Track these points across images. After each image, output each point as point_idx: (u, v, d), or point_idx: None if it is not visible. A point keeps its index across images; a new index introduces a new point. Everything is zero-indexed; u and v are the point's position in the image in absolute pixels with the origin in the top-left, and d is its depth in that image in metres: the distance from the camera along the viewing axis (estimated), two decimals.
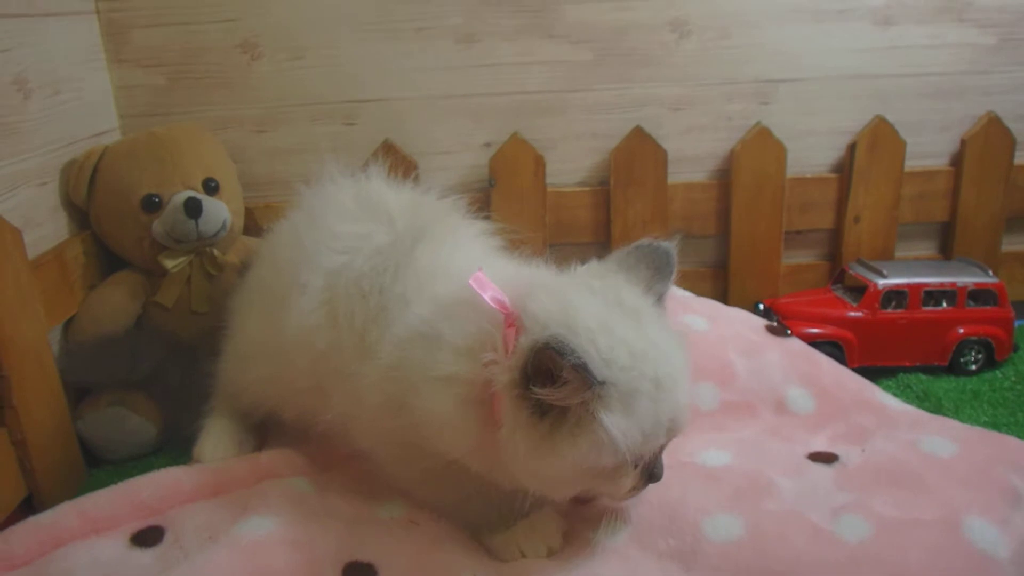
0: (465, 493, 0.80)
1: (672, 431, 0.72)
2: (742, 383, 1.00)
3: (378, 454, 0.83)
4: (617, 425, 0.66)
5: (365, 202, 0.92)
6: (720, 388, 1.00)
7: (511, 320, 0.70)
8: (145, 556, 0.78)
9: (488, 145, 1.28)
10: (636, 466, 0.71)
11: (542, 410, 0.67)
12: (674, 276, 0.78)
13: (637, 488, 0.73)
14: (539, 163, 1.26)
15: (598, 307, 0.70)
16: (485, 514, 0.80)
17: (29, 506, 0.95)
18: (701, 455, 0.91)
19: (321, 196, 0.95)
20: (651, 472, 0.73)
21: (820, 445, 0.94)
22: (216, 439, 0.98)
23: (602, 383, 0.65)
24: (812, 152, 1.31)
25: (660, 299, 0.77)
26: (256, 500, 0.84)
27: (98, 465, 1.06)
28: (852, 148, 1.29)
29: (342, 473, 0.91)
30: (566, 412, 0.67)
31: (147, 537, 0.80)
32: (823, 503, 0.80)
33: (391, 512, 0.83)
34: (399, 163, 1.24)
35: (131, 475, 0.96)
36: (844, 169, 1.31)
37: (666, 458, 0.76)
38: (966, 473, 0.83)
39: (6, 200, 1.00)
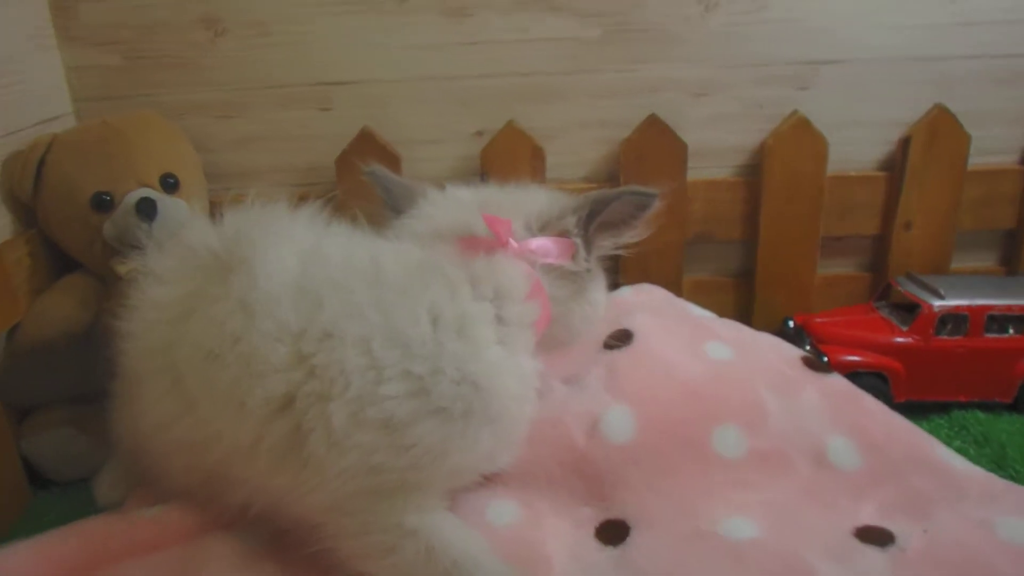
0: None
1: None
2: (774, 427, 0.83)
3: (335, 524, 0.69)
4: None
5: (186, 255, 0.78)
6: (747, 432, 0.82)
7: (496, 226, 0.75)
8: None
9: (480, 134, 1.12)
10: None
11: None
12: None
13: None
14: (538, 155, 1.09)
15: None
16: None
17: None
18: (724, 523, 0.75)
19: (144, 268, 0.81)
20: None
21: (870, 516, 0.77)
22: (113, 478, 0.87)
23: None
24: (857, 146, 1.12)
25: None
26: (195, 563, 0.72)
27: (45, 486, 0.96)
28: (905, 142, 1.09)
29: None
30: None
31: None
32: None
33: None
34: (379, 154, 1.08)
35: (80, 498, 0.90)
36: (895, 166, 1.12)
37: (682, 523, 0.75)
38: None
39: None
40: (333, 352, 0.67)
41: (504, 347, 0.72)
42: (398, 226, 0.81)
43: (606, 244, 0.81)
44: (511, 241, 0.76)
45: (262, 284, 0.70)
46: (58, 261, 1.06)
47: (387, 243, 0.77)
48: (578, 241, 0.79)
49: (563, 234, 0.79)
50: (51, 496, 0.95)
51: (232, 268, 0.73)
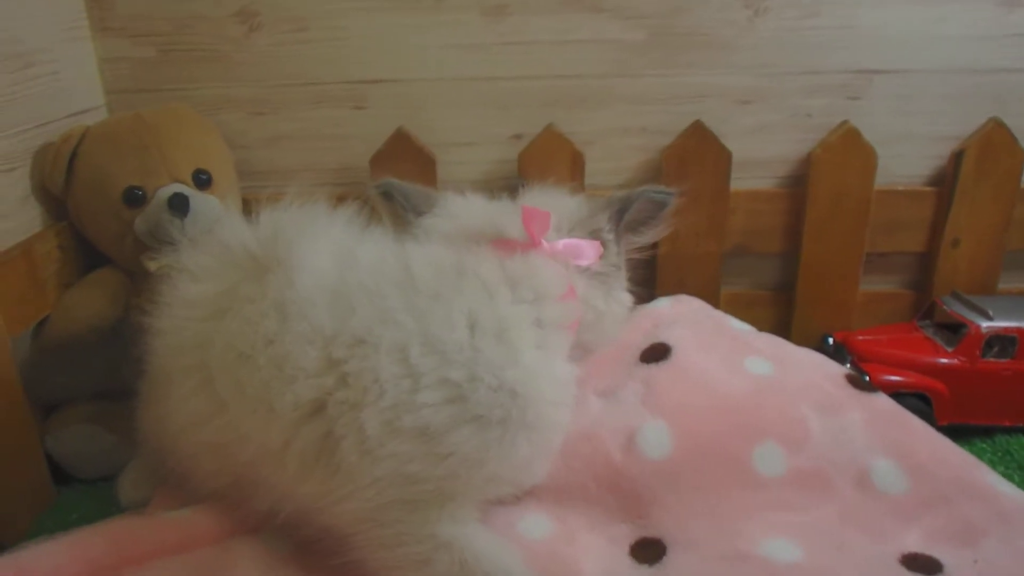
0: None
1: None
2: (816, 446, 0.79)
3: (367, 534, 0.67)
4: None
5: (222, 253, 0.76)
6: (788, 451, 0.79)
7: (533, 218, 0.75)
8: None
9: (518, 137, 1.09)
10: None
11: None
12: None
13: None
14: (577, 160, 1.06)
15: None
16: None
17: None
18: (765, 545, 0.72)
19: (179, 264, 0.80)
20: None
21: (916, 543, 0.74)
22: (138, 478, 0.86)
23: None
24: (907, 160, 1.08)
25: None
26: (220, 567, 0.71)
27: (69, 483, 0.95)
28: (958, 157, 1.05)
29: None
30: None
31: None
32: None
33: None
34: (414, 155, 1.06)
35: (104, 496, 0.90)
36: (945, 182, 1.08)
37: (720, 543, 0.73)
38: None
39: None
40: (366, 359, 0.65)
41: (542, 351, 0.71)
42: (424, 226, 0.80)
43: (630, 243, 0.85)
44: (543, 242, 0.75)
45: (298, 286, 0.69)
46: (88, 255, 1.05)
47: (418, 247, 0.75)
48: (609, 239, 0.82)
49: (593, 235, 0.80)
50: (75, 493, 0.94)
51: (268, 268, 0.72)
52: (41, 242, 0.98)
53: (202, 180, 1.00)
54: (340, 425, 0.65)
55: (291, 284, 0.69)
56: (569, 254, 0.78)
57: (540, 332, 0.71)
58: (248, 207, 1.06)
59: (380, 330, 0.66)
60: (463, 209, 0.83)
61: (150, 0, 1.06)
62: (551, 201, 0.83)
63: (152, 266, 0.97)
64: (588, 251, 0.79)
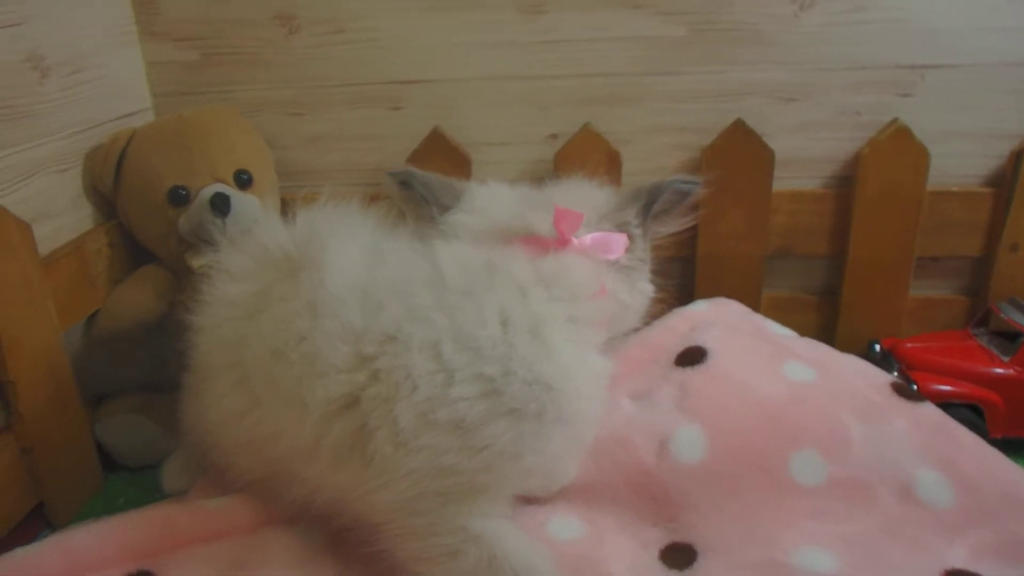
0: None
1: None
2: (857, 456, 0.77)
3: (400, 524, 0.68)
4: None
5: (259, 253, 0.78)
6: (828, 459, 0.77)
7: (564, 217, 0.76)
8: None
9: (554, 137, 1.08)
10: None
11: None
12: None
13: None
14: (614, 160, 1.05)
15: None
16: None
17: (40, 514, 0.91)
18: (799, 554, 0.71)
19: (218, 264, 0.82)
20: None
21: (960, 559, 0.71)
22: (181, 467, 0.89)
23: None
24: (961, 159, 1.03)
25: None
26: (254, 555, 0.73)
27: (116, 470, 1.00)
28: (1017, 156, 1.00)
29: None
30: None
31: None
32: None
33: None
34: (449, 155, 1.06)
35: (149, 483, 0.93)
36: (1003, 182, 1.02)
37: (753, 551, 0.72)
38: None
39: (18, 190, 0.91)
40: (398, 357, 0.66)
41: (576, 346, 0.71)
42: (451, 222, 0.80)
43: (655, 233, 0.85)
44: (573, 239, 0.75)
45: (329, 285, 0.70)
46: (136, 253, 1.08)
47: (446, 245, 0.76)
48: (637, 232, 0.82)
49: (621, 227, 0.80)
50: (122, 480, 0.98)
51: (302, 267, 0.74)
52: (92, 240, 1.02)
53: (243, 180, 1.02)
54: (374, 418, 0.66)
55: (322, 283, 0.70)
56: (598, 248, 0.78)
57: (573, 328, 0.72)
58: (287, 206, 1.09)
59: (410, 327, 0.67)
60: (489, 203, 0.82)
61: (194, 5, 1.08)
62: (579, 193, 0.84)
63: (195, 264, 1.00)
64: (616, 244, 0.79)
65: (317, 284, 0.71)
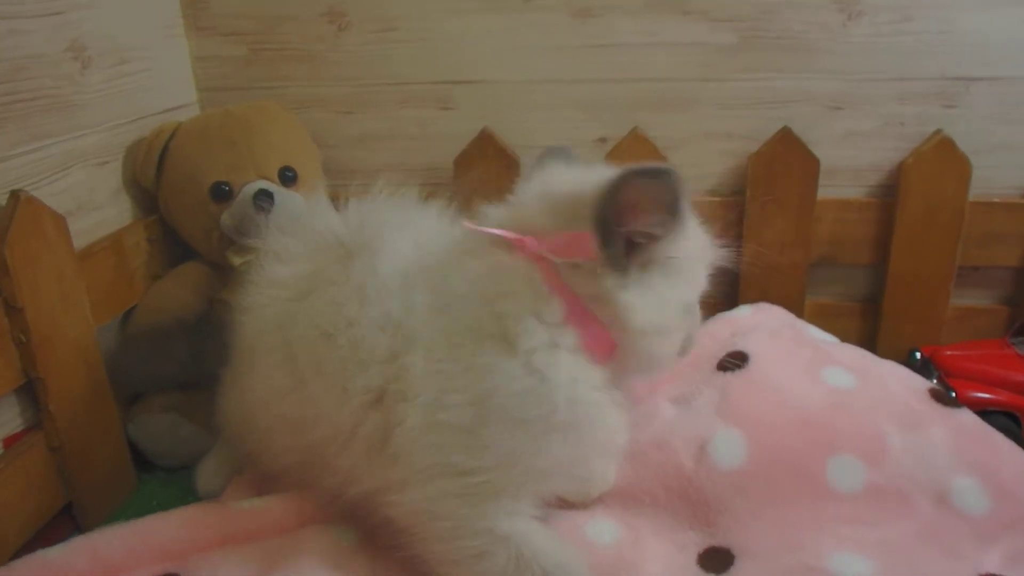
0: None
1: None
2: (895, 463, 0.79)
3: (425, 527, 0.68)
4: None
5: (309, 237, 0.80)
6: (866, 465, 0.78)
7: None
8: None
9: (603, 141, 1.10)
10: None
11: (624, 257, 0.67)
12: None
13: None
14: None
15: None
16: None
17: (69, 515, 0.89)
18: (834, 559, 0.72)
19: (267, 247, 0.83)
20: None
21: (996, 565, 0.73)
22: (215, 468, 0.89)
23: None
24: (1004, 171, 1.05)
25: None
26: (288, 556, 0.73)
27: (150, 471, 0.98)
28: None
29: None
30: (646, 249, 0.67)
31: None
32: None
33: None
34: (497, 157, 1.07)
35: (183, 484, 0.91)
36: None
37: (789, 556, 0.71)
38: None
39: (56, 181, 0.90)
40: (412, 354, 0.68)
41: (557, 353, 0.67)
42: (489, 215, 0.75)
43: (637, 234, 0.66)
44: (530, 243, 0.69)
45: (379, 272, 0.71)
46: (176, 249, 1.08)
47: (463, 251, 0.73)
48: (595, 234, 0.66)
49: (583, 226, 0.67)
50: (156, 481, 0.97)
51: (355, 253, 0.74)
52: (131, 234, 1.01)
53: (288, 177, 1.02)
54: (394, 414, 0.67)
55: (374, 270, 0.71)
56: (554, 251, 0.68)
57: (558, 332, 0.67)
58: (334, 204, 1.07)
59: (421, 328, 0.68)
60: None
61: (242, 0, 1.08)
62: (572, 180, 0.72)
63: (236, 261, 0.99)
64: (570, 245, 0.67)
65: (368, 270, 0.72)
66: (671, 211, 0.63)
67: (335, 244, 0.77)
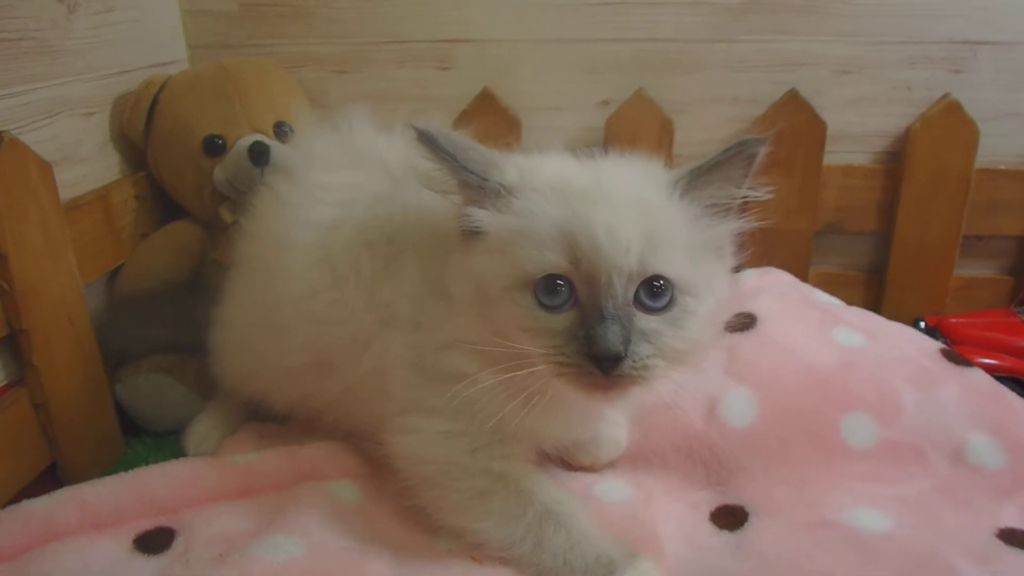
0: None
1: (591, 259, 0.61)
2: (909, 420, 0.80)
3: (416, 470, 0.71)
4: (492, 219, 0.64)
5: (354, 151, 0.83)
6: (879, 423, 0.79)
7: None
8: (145, 566, 0.66)
9: (606, 103, 1.10)
10: (558, 307, 0.62)
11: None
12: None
13: (565, 354, 0.61)
14: (666, 128, 1.07)
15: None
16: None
17: (54, 476, 0.86)
18: (852, 513, 0.73)
19: (303, 151, 0.85)
20: (588, 329, 0.60)
21: (1012, 518, 0.74)
22: (206, 429, 0.89)
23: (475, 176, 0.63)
24: (1011, 138, 1.07)
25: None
26: (287, 511, 0.72)
27: (138, 435, 0.96)
28: None
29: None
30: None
31: (153, 541, 0.69)
32: None
33: (449, 542, 0.70)
34: (498, 118, 1.07)
35: (172, 449, 0.89)
36: None
37: (805, 512, 0.72)
38: None
39: (40, 128, 0.88)
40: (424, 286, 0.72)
41: None
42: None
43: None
44: None
45: (424, 197, 0.72)
46: (165, 207, 1.07)
47: None
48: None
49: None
50: (144, 447, 0.95)
51: (400, 180, 0.76)
52: (118, 190, 0.99)
53: (282, 133, 1.01)
54: (390, 345, 0.71)
55: (418, 195, 0.72)
56: None
57: None
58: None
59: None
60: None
61: None
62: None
63: (228, 218, 0.96)
64: None
65: (413, 195, 0.73)
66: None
67: (380, 165, 0.79)
